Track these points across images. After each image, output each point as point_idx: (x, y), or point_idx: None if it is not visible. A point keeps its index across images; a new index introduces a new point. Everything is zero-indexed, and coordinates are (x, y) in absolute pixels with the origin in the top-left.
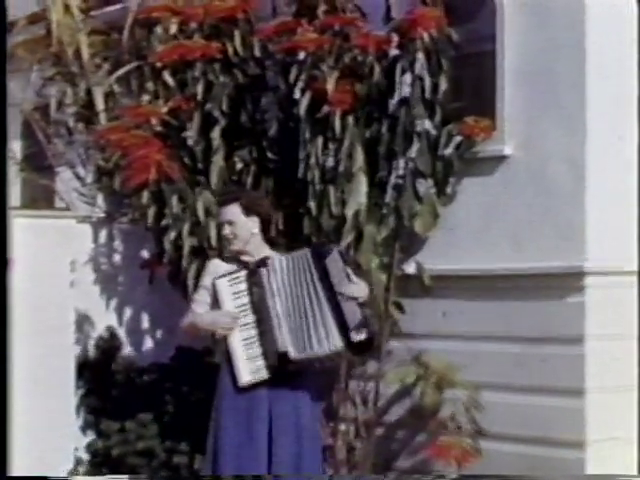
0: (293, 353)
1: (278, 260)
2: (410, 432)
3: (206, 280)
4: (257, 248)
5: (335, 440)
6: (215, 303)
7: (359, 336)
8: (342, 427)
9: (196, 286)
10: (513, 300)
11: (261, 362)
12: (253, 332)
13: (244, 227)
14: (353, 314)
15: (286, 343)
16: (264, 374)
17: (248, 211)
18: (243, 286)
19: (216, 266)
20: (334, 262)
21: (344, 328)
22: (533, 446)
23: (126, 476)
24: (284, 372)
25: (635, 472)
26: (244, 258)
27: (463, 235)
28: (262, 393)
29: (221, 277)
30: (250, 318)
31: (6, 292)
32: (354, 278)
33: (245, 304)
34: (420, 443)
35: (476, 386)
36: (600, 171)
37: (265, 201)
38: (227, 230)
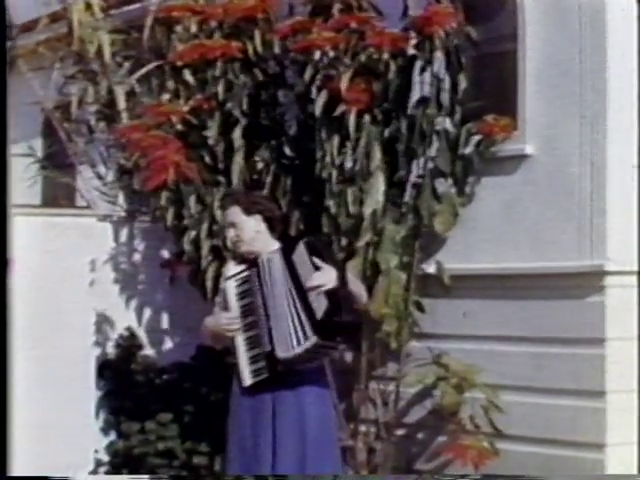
0: (279, 353)
1: (266, 259)
2: (430, 433)
3: (222, 283)
4: (265, 247)
5: (355, 441)
6: (225, 305)
7: (328, 324)
8: (362, 428)
9: (215, 286)
10: (534, 300)
11: (262, 363)
12: (253, 333)
13: (246, 227)
14: (319, 304)
15: (272, 343)
16: (264, 374)
17: (248, 211)
18: (246, 287)
19: (229, 268)
20: (300, 256)
21: (313, 320)
22: (553, 448)
23: (146, 476)
24: (279, 373)
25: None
26: (252, 257)
27: (483, 234)
28: (266, 393)
29: (229, 278)
30: (251, 319)
31: (6, 292)
32: (321, 266)
33: (247, 304)
34: (440, 445)
35: (495, 388)
36: (621, 172)
37: (265, 199)
38: (232, 233)
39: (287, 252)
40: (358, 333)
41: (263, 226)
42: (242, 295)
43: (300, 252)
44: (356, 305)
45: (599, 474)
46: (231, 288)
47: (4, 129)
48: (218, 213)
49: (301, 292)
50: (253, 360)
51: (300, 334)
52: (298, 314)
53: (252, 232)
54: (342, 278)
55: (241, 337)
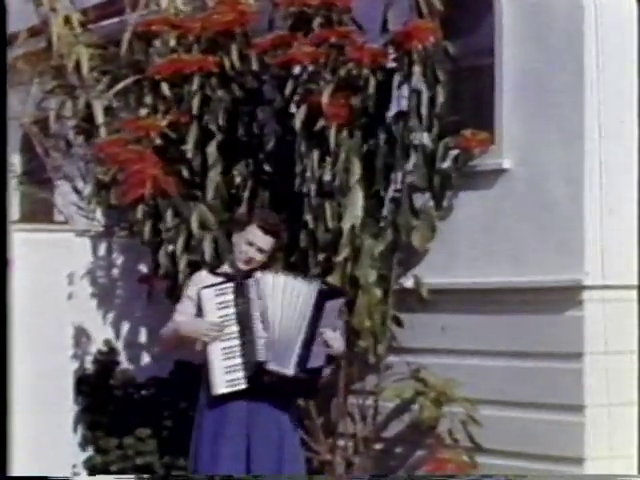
0: (272, 365)
1: (278, 278)
2: (409, 448)
3: (191, 291)
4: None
5: (334, 456)
6: (199, 313)
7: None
8: (341, 442)
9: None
10: (512, 314)
11: (240, 373)
12: (235, 342)
13: (263, 248)
14: (317, 358)
15: (267, 354)
16: (241, 384)
17: (266, 232)
18: (229, 297)
19: (201, 277)
20: (332, 309)
21: (303, 362)
22: (531, 462)
23: (132, 476)
24: (262, 384)
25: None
26: (231, 272)
27: (461, 249)
28: (241, 405)
29: (207, 287)
30: (233, 329)
31: (6, 293)
32: (338, 332)
33: (229, 315)
34: (419, 459)
35: (474, 402)
36: (598, 186)
37: (280, 224)
38: (250, 252)
39: (325, 295)
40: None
41: (272, 247)
42: (222, 305)
43: (334, 307)
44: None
45: (599, 474)
46: (209, 297)
47: (4, 141)
48: (195, 227)
49: (311, 333)
50: (229, 370)
51: (291, 359)
52: (295, 343)
53: (266, 253)
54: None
55: (218, 346)
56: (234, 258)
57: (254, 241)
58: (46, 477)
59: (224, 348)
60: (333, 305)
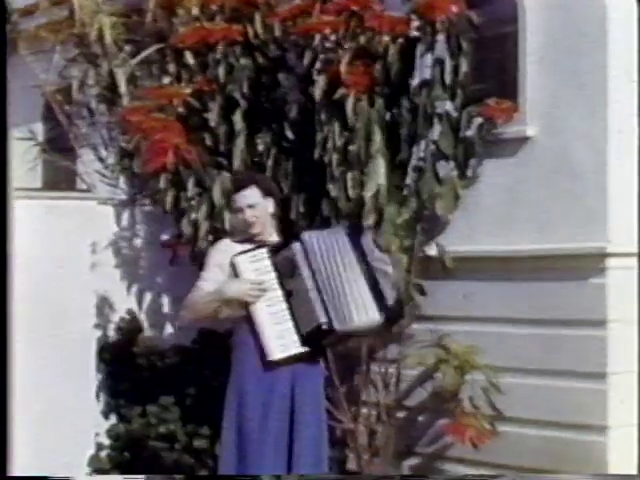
0: (336, 325)
1: (314, 237)
2: (431, 416)
3: (218, 258)
4: (270, 229)
5: (356, 424)
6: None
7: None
8: (364, 411)
9: None
10: (535, 282)
11: (293, 336)
12: (282, 306)
13: (264, 209)
14: (390, 290)
15: (324, 315)
16: (296, 348)
17: (265, 192)
18: (265, 263)
19: (228, 245)
20: (367, 241)
21: (382, 302)
22: (554, 430)
23: (142, 476)
24: (320, 345)
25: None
26: (257, 239)
27: (485, 217)
28: (286, 372)
29: (240, 254)
30: (277, 293)
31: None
32: (385, 258)
33: (270, 280)
34: (441, 427)
35: (496, 369)
36: (622, 153)
37: (273, 183)
38: (249, 213)
39: (355, 235)
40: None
41: (273, 209)
42: (261, 271)
43: (367, 238)
44: None
45: (599, 474)
46: (245, 264)
47: (4, 115)
48: (217, 196)
49: (367, 273)
50: (281, 334)
51: (362, 309)
52: (360, 291)
53: (267, 214)
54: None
55: (265, 311)
56: (235, 223)
57: (252, 202)
58: (46, 477)
59: (272, 313)
60: (365, 238)
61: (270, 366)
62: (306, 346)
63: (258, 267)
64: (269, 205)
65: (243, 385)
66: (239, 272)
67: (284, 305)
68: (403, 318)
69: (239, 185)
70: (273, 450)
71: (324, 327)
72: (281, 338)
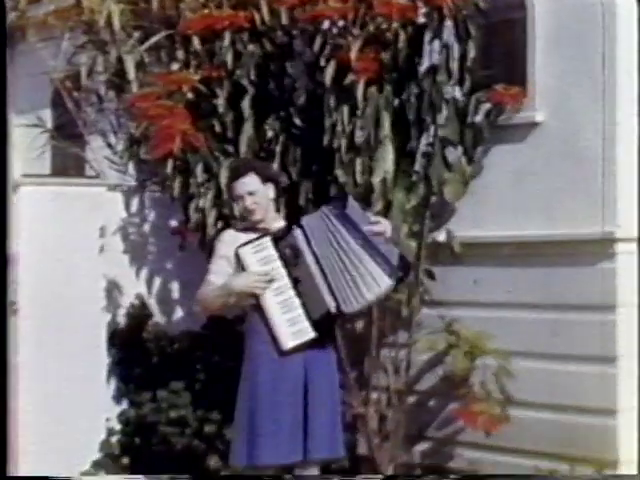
0: (344, 308)
1: (312, 221)
2: (442, 400)
3: (223, 250)
4: (272, 215)
5: (367, 409)
6: (238, 272)
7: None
8: (374, 396)
9: None
10: (545, 267)
11: (304, 323)
12: (290, 294)
13: (264, 196)
14: (391, 251)
15: (332, 300)
16: (308, 334)
17: (264, 179)
18: (269, 251)
19: (232, 236)
20: (354, 211)
21: (388, 266)
22: (564, 413)
23: (141, 476)
24: (332, 329)
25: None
26: (260, 226)
27: (494, 202)
28: (298, 358)
29: (243, 245)
30: (283, 281)
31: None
32: (374, 218)
33: (275, 268)
34: (451, 411)
35: (507, 354)
36: (631, 138)
37: (274, 167)
38: (249, 201)
39: (338, 210)
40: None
41: (274, 195)
42: (265, 260)
43: (353, 207)
44: None
45: (600, 474)
46: (249, 254)
47: (4, 136)
48: (224, 182)
49: (364, 242)
50: (292, 322)
51: (370, 281)
52: (363, 264)
53: (267, 200)
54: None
55: (273, 301)
56: (236, 209)
57: (252, 189)
58: (46, 477)
59: (280, 302)
60: (351, 208)
61: (283, 355)
62: (317, 332)
63: (262, 257)
64: (269, 191)
65: (256, 374)
66: (244, 263)
67: (292, 292)
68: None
69: (237, 173)
70: (288, 437)
71: (333, 311)
72: (292, 326)
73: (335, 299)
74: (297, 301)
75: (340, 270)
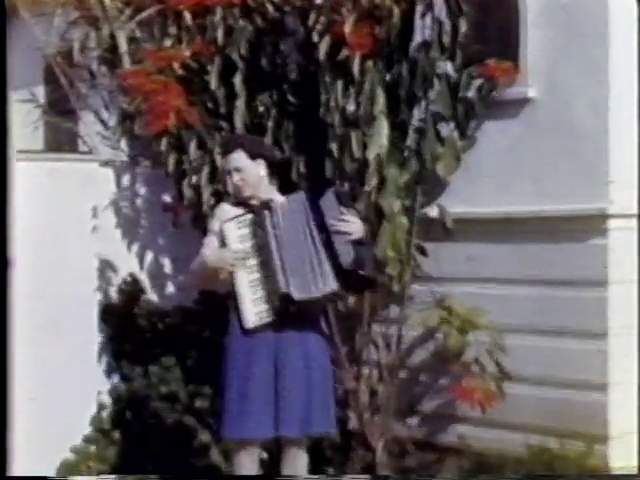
0: (295, 294)
1: (280, 203)
2: (433, 375)
3: (214, 224)
4: (266, 191)
5: (358, 384)
6: (222, 247)
7: (352, 275)
8: (365, 371)
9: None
10: (537, 243)
11: (264, 306)
12: (257, 275)
13: (252, 172)
14: (347, 253)
15: (288, 284)
16: (268, 317)
17: (253, 155)
18: (248, 230)
19: (223, 211)
20: (328, 202)
21: (338, 268)
22: (556, 389)
23: (132, 476)
24: (290, 315)
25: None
26: (252, 202)
27: (486, 178)
28: (269, 337)
29: (228, 221)
30: (254, 261)
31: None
32: (348, 217)
33: (250, 247)
34: (443, 386)
35: (499, 329)
36: (623, 114)
37: (266, 143)
38: (236, 177)
39: (313, 197)
40: (372, 287)
41: (265, 171)
42: (243, 238)
43: (329, 199)
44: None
45: (600, 474)
46: (231, 230)
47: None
48: (219, 158)
49: (325, 238)
50: (256, 302)
51: (320, 279)
52: (319, 258)
53: (256, 177)
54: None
55: (245, 279)
56: (228, 185)
57: (239, 165)
58: (45, 477)
59: (249, 282)
60: (326, 199)
61: (248, 334)
62: (276, 315)
63: (242, 234)
64: (259, 168)
65: (233, 349)
66: (226, 239)
67: (259, 274)
68: (367, 282)
69: (226, 149)
70: (257, 414)
71: (291, 296)
72: (255, 307)
73: (287, 285)
74: (262, 283)
75: (297, 258)
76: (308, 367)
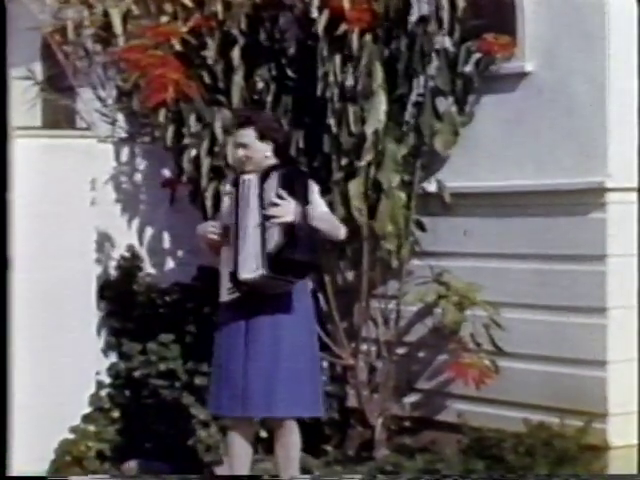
0: (241, 274)
1: (246, 180)
2: (431, 352)
3: (226, 189)
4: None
5: (356, 360)
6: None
7: (277, 260)
8: (363, 347)
9: (215, 206)
10: (535, 217)
11: (230, 282)
12: (230, 252)
13: (258, 151)
14: (271, 237)
15: (236, 264)
16: (231, 294)
17: (263, 136)
18: (231, 205)
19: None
20: (270, 185)
21: (264, 251)
22: (554, 365)
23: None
24: (260, 296)
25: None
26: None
27: (484, 152)
28: (242, 316)
29: (226, 194)
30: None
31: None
32: (282, 201)
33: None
34: (441, 363)
35: (497, 305)
36: (621, 88)
37: (281, 126)
38: (241, 152)
39: (264, 178)
40: (310, 271)
41: (271, 153)
42: (227, 211)
43: (271, 180)
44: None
45: (600, 474)
46: (224, 203)
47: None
48: (219, 132)
49: (260, 220)
50: (227, 278)
51: (252, 260)
52: (254, 241)
53: (261, 157)
54: (304, 214)
55: (225, 253)
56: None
57: (247, 142)
58: (45, 477)
59: (227, 256)
60: (268, 183)
61: (225, 310)
62: (240, 292)
63: (226, 206)
64: (266, 149)
65: (218, 327)
66: (222, 205)
67: (230, 251)
68: (296, 267)
69: (239, 122)
70: (229, 391)
71: (233, 274)
72: (229, 282)
73: (235, 265)
74: (231, 259)
75: (241, 238)
76: (277, 349)
